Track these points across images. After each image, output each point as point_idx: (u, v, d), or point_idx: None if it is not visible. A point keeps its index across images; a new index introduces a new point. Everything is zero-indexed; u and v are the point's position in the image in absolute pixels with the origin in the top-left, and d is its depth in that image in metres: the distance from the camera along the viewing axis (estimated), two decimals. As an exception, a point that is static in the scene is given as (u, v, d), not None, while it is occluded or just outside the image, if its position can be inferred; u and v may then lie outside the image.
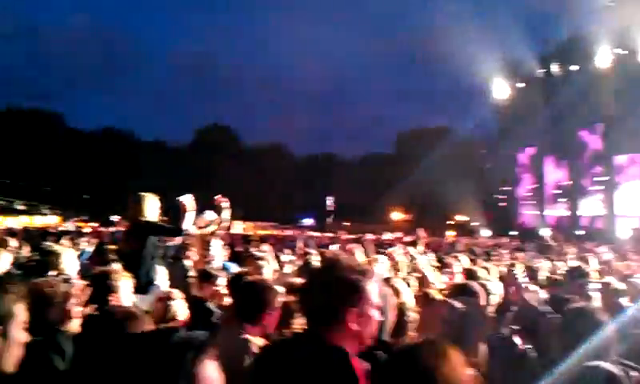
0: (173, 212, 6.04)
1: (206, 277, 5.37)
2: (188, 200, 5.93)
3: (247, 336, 3.23)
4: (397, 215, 58.19)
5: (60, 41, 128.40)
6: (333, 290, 2.18)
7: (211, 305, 4.90)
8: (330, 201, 53.52)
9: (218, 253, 7.27)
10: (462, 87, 59.75)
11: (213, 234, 7.23)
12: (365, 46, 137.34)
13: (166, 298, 4.10)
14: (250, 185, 60.34)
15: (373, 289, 2.24)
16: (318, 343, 2.12)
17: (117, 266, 5.72)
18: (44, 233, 16.61)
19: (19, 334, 2.00)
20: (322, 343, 2.12)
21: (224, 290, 5.07)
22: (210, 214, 7.40)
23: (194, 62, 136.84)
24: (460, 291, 4.24)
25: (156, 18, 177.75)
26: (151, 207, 5.98)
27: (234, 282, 4.38)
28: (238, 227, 29.84)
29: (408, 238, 20.57)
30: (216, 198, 7.21)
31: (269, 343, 2.89)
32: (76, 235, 15.52)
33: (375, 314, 2.24)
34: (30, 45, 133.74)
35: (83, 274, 6.27)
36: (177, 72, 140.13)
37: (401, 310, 3.60)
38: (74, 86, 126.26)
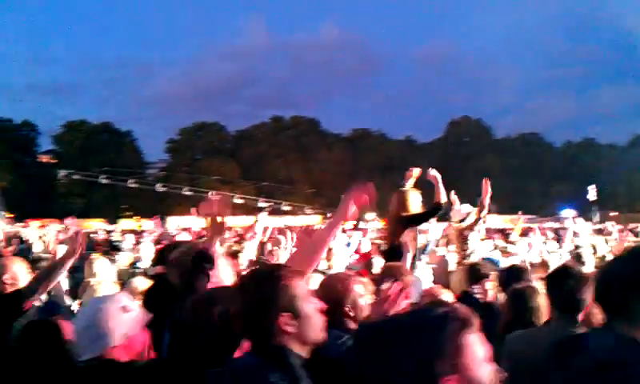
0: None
1: (475, 272, 5.13)
2: (437, 173, 6.00)
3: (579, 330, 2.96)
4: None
5: (313, 51, 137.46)
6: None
7: (480, 299, 4.71)
8: (592, 190, 49.40)
9: (477, 246, 7.03)
10: None
11: (471, 227, 7.01)
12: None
13: (432, 295, 4.01)
14: (505, 177, 58.36)
15: None
16: (622, 338, 1.91)
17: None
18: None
19: (309, 308, 2.12)
20: (626, 338, 1.91)
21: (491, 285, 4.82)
22: (466, 207, 7.20)
23: (442, 58, 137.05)
24: None
25: (400, 20, 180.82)
26: (414, 201, 5.95)
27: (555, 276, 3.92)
28: (494, 221, 28.99)
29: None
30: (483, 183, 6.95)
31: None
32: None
33: None
34: (286, 57, 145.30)
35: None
36: (424, 69, 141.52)
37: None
38: (327, 92, 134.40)
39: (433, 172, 6.11)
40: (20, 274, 4.10)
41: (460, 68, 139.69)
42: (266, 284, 2.10)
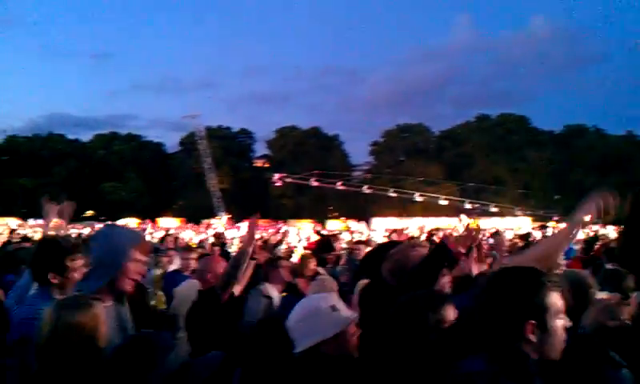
0: None
1: None
2: None
3: None
4: None
5: (521, 46, 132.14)
6: None
7: None
8: None
9: None
10: None
11: None
12: None
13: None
14: None
15: None
16: None
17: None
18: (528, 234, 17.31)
19: (557, 323, 2.00)
20: None
21: None
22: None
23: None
24: None
25: (615, 8, 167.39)
26: None
27: None
28: None
29: None
30: None
31: None
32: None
33: None
34: (493, 54, 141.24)
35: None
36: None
37: None
38: (537, 88, 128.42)
39: None
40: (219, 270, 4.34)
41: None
42: (525, 285, 2.00)
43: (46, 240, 3.53)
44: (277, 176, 58.31)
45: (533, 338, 1.94)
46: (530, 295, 1.97)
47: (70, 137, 78.97)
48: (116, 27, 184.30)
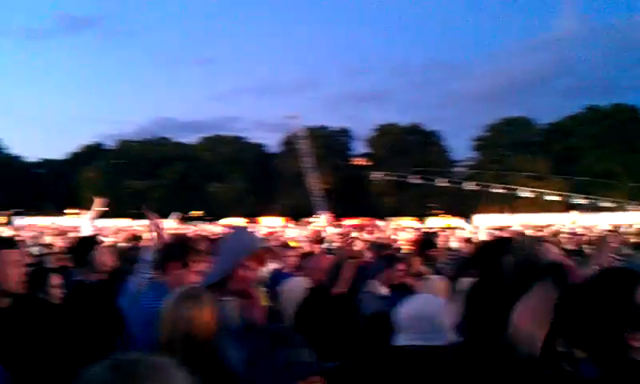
0: None
1: None
2: None
3: None
4: None
5: (636, 32, 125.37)
6: None
7: None
8: None
9: None
10: None
11: None
12: None
13: None
14: None
15: None
16: None
17: None
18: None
19: None
20: None
21: None
22: None
23: None
24: None
25: None
26: None
27: None
28: None
29: None
30: None
31: None
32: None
33: None
34: (606, 44, 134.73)
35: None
36: None
37: None
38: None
39: None
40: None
41: None
42: (608, 299, 1.90)
43: (179, 235, 3.81)
44: (377, 174, 58.22)
45: (637, 343, 1.82)
46: (616, 308, 1.86)
47: (177, 140, 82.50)
48: (217, 32, 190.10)
